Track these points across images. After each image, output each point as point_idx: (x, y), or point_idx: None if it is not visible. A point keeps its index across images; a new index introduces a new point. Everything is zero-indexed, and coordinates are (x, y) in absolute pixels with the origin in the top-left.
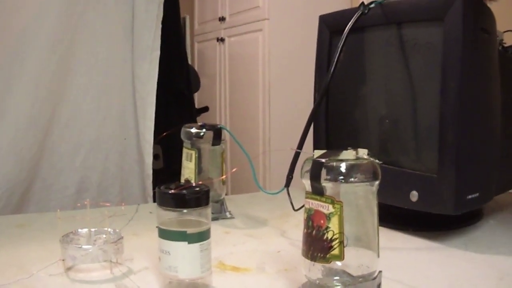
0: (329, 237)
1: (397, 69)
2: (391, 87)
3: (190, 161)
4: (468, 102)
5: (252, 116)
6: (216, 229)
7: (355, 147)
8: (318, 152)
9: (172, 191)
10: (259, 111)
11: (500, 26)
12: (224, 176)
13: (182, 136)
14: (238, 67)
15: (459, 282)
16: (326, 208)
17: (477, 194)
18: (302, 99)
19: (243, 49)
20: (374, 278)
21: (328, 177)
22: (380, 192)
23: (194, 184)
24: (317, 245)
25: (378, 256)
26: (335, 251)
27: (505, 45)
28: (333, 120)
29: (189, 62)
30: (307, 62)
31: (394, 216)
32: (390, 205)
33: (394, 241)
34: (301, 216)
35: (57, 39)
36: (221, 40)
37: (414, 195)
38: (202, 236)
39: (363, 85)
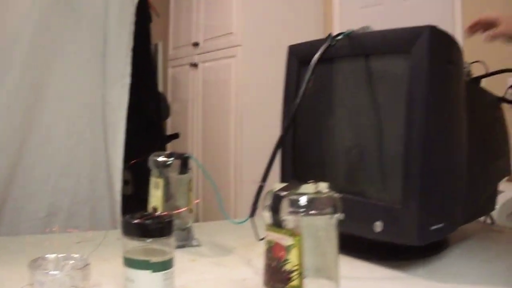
0: (289, 269)
1: (364, 100)
2: (358, 118)
3: (158, 189)
4: (433, 133)
5: (224, 142)
6: (183, 256)
7: (322, 177)
8: (279, 186)
9: (137, 221)
10: (231, 138)
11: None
12: (183, 209)
13: (150, 165)
14: (211, 92)
15: None
16: (286, 240)
17: (442, 225)
18: (274, 126)
19: (216, 74)
20: None
21: (289, 210)
22: (345, 222)
23: (159, 213)
24: (277, 276)
25: (339, 287)
26: (294, 283)
27: (473, 76)
28: (301, 150)
29: (163, 87)
30: (280, 89)
31: (358, 245)
32: (354, 234)
33: (358, 270)
34: None
35: (30, 65)
36: (195, 65)
37: (378, 226)
38: (166, 265)
39: (330, 116)
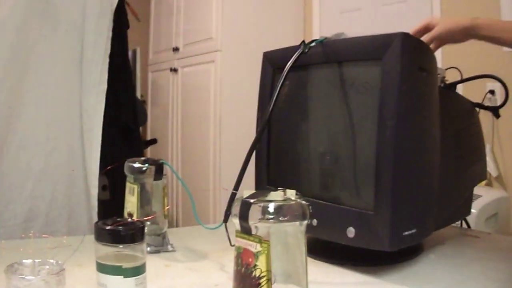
0: (257, 275)
1: (337, 107)
2: (332, 124)
3: (133, 195)
4: (404, 139)
5: (203, 148)
6: (157, 261)
7: (296, 183)
8: (248, 192)
9: (109, 227)
10: (210, 143)
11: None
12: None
13: (126, 171)
14: (191, 97)
15: None
16: (254, 247)
17: (414, 230)
18: (253, 132)
19: (195, 79)
20: None
21: (257, 217)
22: (318, 227)
23: (133, 219)
24: (246, 282)
25: None
26: None
27: (448, 82)
28: (275, 156)
29: (143, 91)
30: (255, 94)
31: (332, 250)
32: (327, 241)
33: (331, 275)
34: None
35: (7, 71)
36: (174, 70)
37: (351, 231)
38: (138, 271)
39: (304, 122)
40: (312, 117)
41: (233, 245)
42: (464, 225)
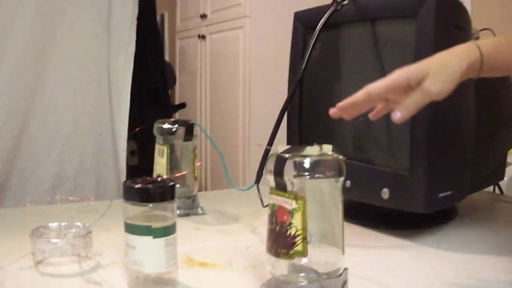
0: (292, 233)
1: (371, 66)
2: (365, 84)
3: (162, 156)
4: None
5: (232, 113)
6: (187, 225)
7: (328, 143)
8: (282, 148)
9: (138, 185)
10: (239, 108)
11: (478, 24)
12: (185, 172)
13: (155, 132)
14: (219, 64)
15: (429, 280)
16: (289, 204)
17: (449, 193)
18: (282, 96)
19: (224, 46)
20: (339, 275)
21: (293, 172)
22: (352, 189)
23: (162, 178)
24: (281, 241)
25: (343, 253)
26: (298, 247)
27: None
28: (307, 116)
29: (170, 59)
30: (288, 59)
31: (366, 213)
32: (362, 203)
33: (365, 239)
34: None
35: (34, 34)
36: (203, 37)
37: (385, 193)
38: (167, 231)
39: (337, 82)
40: (345, 76)
41: (265, 206)
42: (497, 190)
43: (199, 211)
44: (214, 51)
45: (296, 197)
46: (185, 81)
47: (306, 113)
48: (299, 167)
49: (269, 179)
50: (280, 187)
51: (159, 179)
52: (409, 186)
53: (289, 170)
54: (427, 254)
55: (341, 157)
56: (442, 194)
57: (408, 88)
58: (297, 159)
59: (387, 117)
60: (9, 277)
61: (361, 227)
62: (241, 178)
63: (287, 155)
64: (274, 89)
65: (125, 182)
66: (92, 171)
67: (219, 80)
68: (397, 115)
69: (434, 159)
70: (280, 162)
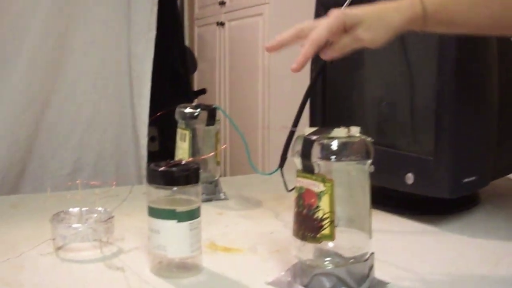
0: (320, 216)
1: (395, 51)
2: (389, 69)
3: (184, 141)
4: (465, 84)
5: (251, 100)
6: (209, 210)
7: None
8: (309, 130)
9: (162, 168)
10: (258, 95)
11: None
12: (209, 155)
13: (177, 116)
14: (238, 51)
15: (455, 266)
16: (317, 186)
17: (473, 178)
18: (302, 83)
19: (243, 33)
20: (366, 260)
21: (320, 155)
22: (376, 174)
23: (185, 162)
24: (308, 225)
25: (370, 238)
26: (326, 231)
27: None
28: (330, 102)
29: (188, 45)
30: None
31: (389, 199)
32: (386, 188)
33: (389, 224)
34: None
35: (54, 19)
36: (221, 24)
37: (409, 178)
38: (192, 215)
39: (360, 67)
40: (369, 61)
41: (290, 190)
42: None
43: (222, 196)
44: (233, 38)
45: (324, 180)
46: (203, 68)
47: (329, 99)
48: (326, 149)
49: (296, 161)
50: (308, 170)
51: (183, 162)
52: (434, 171)
53: (316, 152)
54: (451, 240)
55: (369, 139)
56: (466, 180)
57: (342, 30)
58: (325, 141)
59: (411, 100)
60: (28, 263)
61: (384, 212)
62: (260, 164)
63: (314, 137)
64: (294, 76)
65: (148, 165)
66: (112, 157)
67: (238, 67)
68: (326, 54)
69: (459, 143)
70: (308, 144)
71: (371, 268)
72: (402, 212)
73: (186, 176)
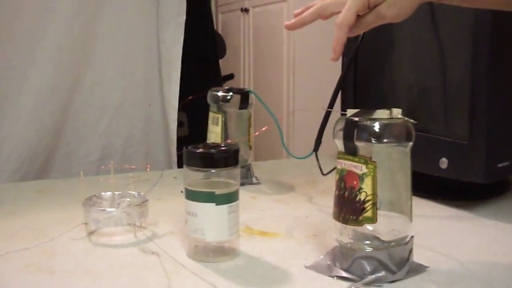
0: (362, 199)
1: (427, 34)
2: (420, 54)
3: (217, 125)
4: (500, 67)
5: (276, 86)
6: (243, 194)
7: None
8: (351, 111)
9: (200, 150)
10: (283, 82)
11: None
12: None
13: (209, 100)
14: (262, 37)
15: (491, 251)
16: (360, 168)
17: (508, 163)
18: (327, 69)
19: (267, 19)
20: (406, 243)
21: (362, 136)
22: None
23: (224, 144)
24: (349, 207)
25: (411, 221)
26: (368, 213)
27: None
28: (361, 86)
29: None
30: (332, 31)
31: (422, 184)
32: (418, 173)
33: (422, 208)
34: (328, 182)
35: (81, 4)
36: (245, 10)
37: (443, 162)
38: (231, 198)
39: (391, 51)
40: (400, 45)
41: (325, 174)
42: None
43: (254, 180)
44: (257, 25)
45: (366, 161)
46: (227, 55)
47: (360, 83)
48: (369, 131)
49: (337, 143)
50: (350, 151)
51: (222, 144)
52: (468, 155)
53: (359, 134)
54: (486, 225)
55: (411, 121)
56: (501, 165)
57: (367, 8)
58: (368, 122)
59: (445, 84)
60: (60, 248)
61: (417, 197)
62: (284, 151)
63: (357, 119)
64: (319, 62)
65: (186, 147)
66: (141, 142)
67: (262, 54)
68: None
69: (493, 128)
70: (351, 125)
71: (410, 251)
72: (435, 197)
73: (226, 158)
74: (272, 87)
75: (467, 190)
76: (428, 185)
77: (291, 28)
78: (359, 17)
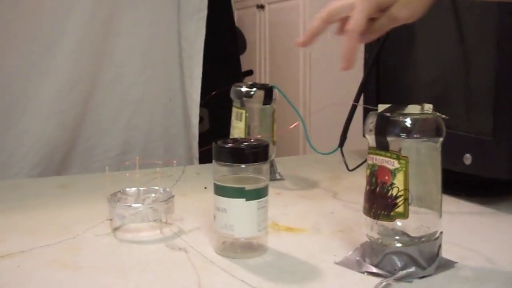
0: (394, 194)
1: (450, 30)
2: (443, 49)
3: (240, 120)
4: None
5: (292, 83)
6: None
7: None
8: (382, 106)
9: (230, 145)
10: (299, 78)
11: None
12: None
13: (232, 95)
14: (279, 34)
15: None
16: (391, 163)
17: None
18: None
19: (283, 16)
20: (436, 239)
21: (394, 131)
22: None
23: (254, 139)
24: (381, 202)
25: (440, 217)
26: (400, 209)
27: None
28: (384, 82)
29: None
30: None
31: (445, 180)
32: (442, 169)
33: (447, 205)
34: (352, 177)
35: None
36: (261, 7)
37: (467, 158)
38: (260, 193)
39: (414, 47)
40: (423, 41)
41: (351, 170)
42: None
43: (277, 176)
44: (273, 21)
45: (398, 157)
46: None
47: (382, 79)
48: (402, 126)
49: (368, 138)
50: (382, 146)
51: (252, 139)
52: (493, 151)
53: (391, 129)
54: (511, 221)
55: (443, 116)
56: None
57: (378, 11)
58: (400, 117)
59: (469, 79)
60: (86, 244)
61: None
62: (301, 146)
63: (389, 114)
64: (336, 58)
65: (215, 142)
66: (162, 137)
67: (278, 50)
68: (364, 39)
69: None
70: (383, 120)
71: (439, 247)
72: (458, 194)
73: (256, 153)
74: (289, 84)
75: (489, 186)
76: (451, 181)
77: (303, 45)
78: (370, 21)
